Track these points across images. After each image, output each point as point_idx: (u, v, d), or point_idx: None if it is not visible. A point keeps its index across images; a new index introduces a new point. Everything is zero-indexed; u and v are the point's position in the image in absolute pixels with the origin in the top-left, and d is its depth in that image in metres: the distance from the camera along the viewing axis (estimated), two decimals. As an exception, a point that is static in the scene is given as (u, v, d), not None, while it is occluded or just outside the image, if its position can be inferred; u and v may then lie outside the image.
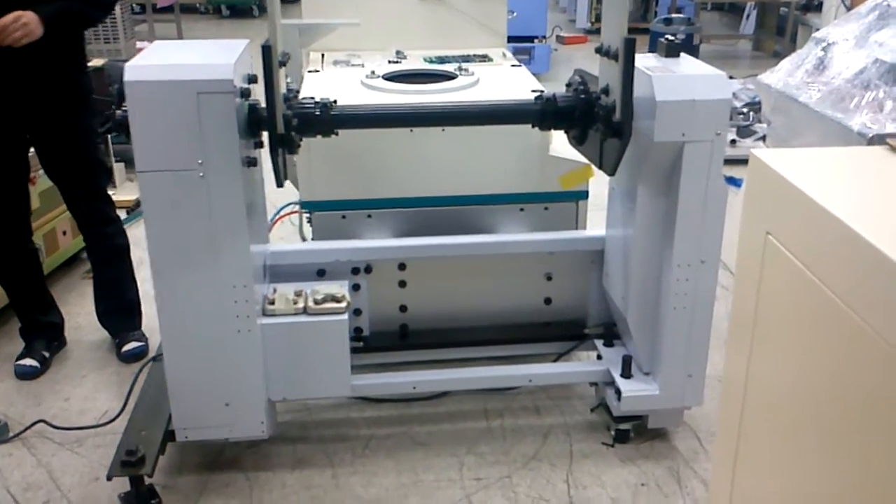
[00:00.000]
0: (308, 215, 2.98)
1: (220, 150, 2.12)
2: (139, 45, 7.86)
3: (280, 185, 2.15)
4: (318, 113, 2.28)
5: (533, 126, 2.41)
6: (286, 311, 2.45)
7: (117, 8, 7.63)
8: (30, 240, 3.12)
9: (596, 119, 2.16)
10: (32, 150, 3.00)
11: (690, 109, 2.21)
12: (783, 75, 3.64)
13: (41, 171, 3.15)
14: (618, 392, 2.58)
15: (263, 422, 2.44)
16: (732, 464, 1.72)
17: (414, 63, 3.41)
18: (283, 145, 2.05)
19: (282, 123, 2.01)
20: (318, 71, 3.29)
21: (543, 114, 2.35)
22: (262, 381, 2.41)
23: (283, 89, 2.15)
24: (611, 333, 2.77)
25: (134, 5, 9.53)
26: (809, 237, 1.34)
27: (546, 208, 2.93)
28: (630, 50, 1.98)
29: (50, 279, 3.68)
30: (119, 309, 3.25)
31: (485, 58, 3.48)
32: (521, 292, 2.85)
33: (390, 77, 3.11)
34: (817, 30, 7.26)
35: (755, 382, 1.60)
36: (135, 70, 2.08)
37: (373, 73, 3.09)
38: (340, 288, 2.52)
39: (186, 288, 2.26)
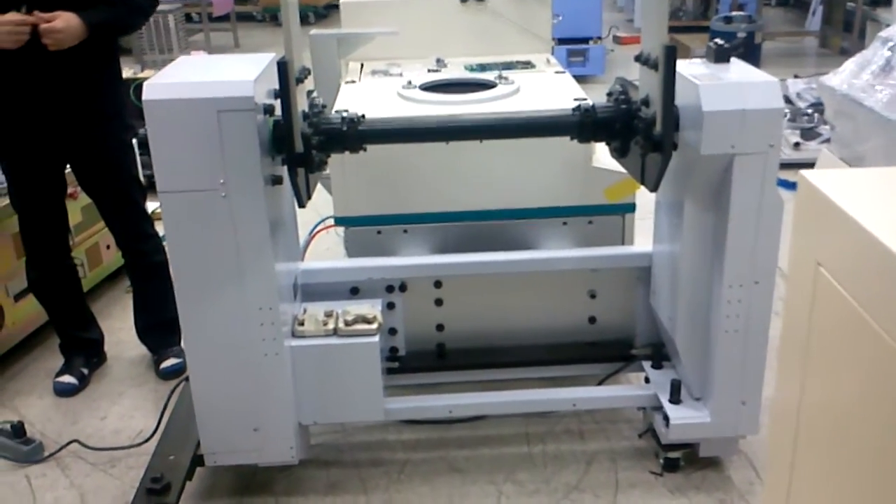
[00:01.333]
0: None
1: (242, 169, 2.05)
2: (194, 54, 7.95)
3: (302, 205, 2.07)
4: (344, 129, 2.19)
5: (571, 139, 2.28)
6: (316, 332, 2.37)
7: (171, 18, 7.72)
8: (68, 256, 3.11)
9: (636, 131, 2.02)
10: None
11: (740, 120, 2.05)
12: (847, 77, 3.44)
13: (82, 187, 3.14)
14: (666, 419, 2.43)
15: (293, 447, 2.36)
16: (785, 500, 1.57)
17: (454, 71, 3.30)
18: (303, 165, 1.96)
19: (300, 142, 1.93)
20: (355, 82, 3.21)
21: (582, 126, 2.22)
22: (291, 405, 2.33)
23: (303, 105, 2.07)
24: (659, 355, 2.62)
25: (192, 14, 9.65)
26: (863, 273, 1.19)
27: (590, 222, 2.79)
28: (671, 58, 1.84)
29: (93, 293, 3.70)
30: (158, 325, 3.21)
31: (528, 64, 3.36)
32: (564, 311, 2.72)
33: (427, 87, 3.01)
34: (887, 26, 6.94)
35: (807, 416, 1.44)
36: (153, 88, 2.02)
37: (409, 83, 2.99)
38: (372, 308, 2.43)
39: (211, 310, 2.20)
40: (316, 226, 3.59)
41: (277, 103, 2.20)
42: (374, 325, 2.38)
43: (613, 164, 2.76)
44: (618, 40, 9.24)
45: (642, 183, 2.15)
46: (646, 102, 1.97)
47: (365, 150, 2.25)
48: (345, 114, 2.23)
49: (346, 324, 2.37)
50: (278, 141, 2.14)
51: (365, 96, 2.97)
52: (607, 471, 2.54)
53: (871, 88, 3.22)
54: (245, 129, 2.02)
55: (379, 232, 2.79)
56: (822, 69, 7.20)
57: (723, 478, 2.49)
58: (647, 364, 2.64)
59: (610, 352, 2.72)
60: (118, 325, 3.53)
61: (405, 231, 2.80)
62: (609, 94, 2.28)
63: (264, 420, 2.32)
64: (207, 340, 2.24)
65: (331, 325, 2.38)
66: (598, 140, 2.27)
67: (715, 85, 2.07)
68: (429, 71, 3.30)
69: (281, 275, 2.25)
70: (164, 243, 3.30)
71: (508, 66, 3.33)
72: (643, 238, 2.85)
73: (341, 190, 2.77)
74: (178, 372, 3.14)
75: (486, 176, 2.74)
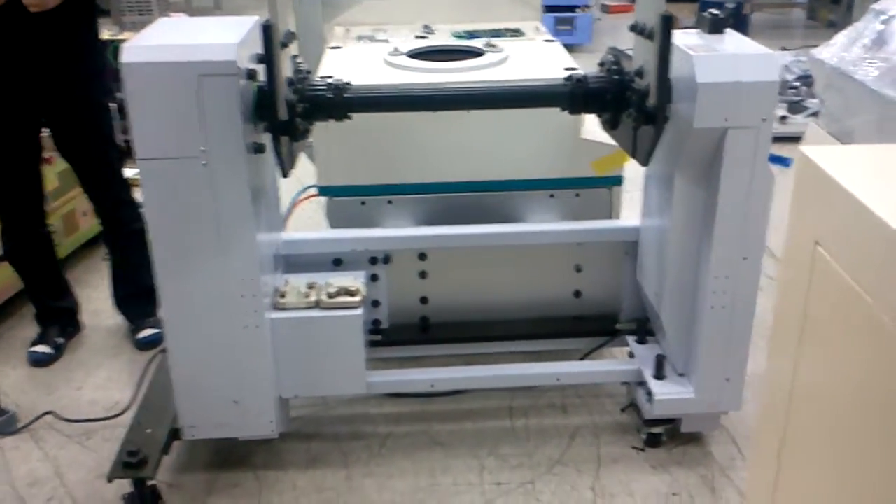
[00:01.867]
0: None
1: (223, 136, 1.99)
2: (174, 16, 7.77)
3: (286, 175, 2.01)
4: (330, 95, 2.13)
5: (562, 109, 2.23)
6: (297, 304, 2.33)
7: (150, -22, 7.54)
8: (43, 224, 3.03)
9: (629, 103, 1.98)
10: (48, 131, 2.91)
11: (735, 93, 2.01)
12: (838, 50, 3.39)
13: (58, 152, 3.06)
14: (649, 394, 2.41)
15: (273, 421, 2.32)
16: (773, 481, 1.56)
17: (442, 38, 3.23)
18: (287, 133, 1.90)
19: (284, 109, 1.86)
20: (340, 47, 3.13)
21: (573, 96, 2.17)
22: (271, 378, 2.29)
23: (288, 71, 2.00)
24: (644, 330, 2.60)
25: (170, -25, 9.42)
26: (864, 252, 1.16)
27: (577, 195, 2.75)
28: (667, 28, 1.79)
29: (70, 261, 3.63)
30: (136, 294, 3.15)
31: (517, 32, 3.29)
32: (549, 284, 2.69)
33: (414, 54, 2.94)
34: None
35: (800, 396, 1.42)
36: (132, 51, 1.95)
37: (396, 50, 2.92)
38: (355, 280, 2.39)
39: (190, 281, 2.14)
40: (298, 195, 3.53)
41: (261, 68, 2.12)
42: (358, 298, 2.33)
43: (602, 136, 2.72)
44: (605, 9, 9.14)
45: (633, 156, 2.10)
46: (639, 73, 1.92)
47: (350, 118, 2.19)
48: (330, 80, 2.17)
49: (329, 296, 2.33)
50: (261, 108, 2.07)
51: (350, 62, 2.89)
52: (590, 445, 2.53)
53: (862, 62, 3.18)
54: (227, 95, 1.95)
55: (363, 202, 2.73)
56: (809, 41, 7.17)
57: (704, 453, 2.49)
58: (631, 339, 2.62)
59: (594, 326, 2.70)
60: (95, 294, 3.47)
61: (390, 202, 2.75)
62: (601, 65, 2.23)
63: (244, 393, 2.28)
64: (186, 312, 2.18)
65: (313, 298, 2.33)
66: (589, 111, 2.22)
67: (710, 56, 2.02)
68: (416, 37, 3.23)
69: (262, 245, 2.19)
70: (143, 210, 3.28)
71: (497, 33, 3.26)
72: (629, 211, 2.82)
73: (325, 159, 2.71)
74: (155, 342, 3.09)
75: (472, 147, 2.69)
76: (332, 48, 3.11)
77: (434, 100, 2.20)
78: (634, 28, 1.94)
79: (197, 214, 2.07)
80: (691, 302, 2.32)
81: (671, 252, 2.30)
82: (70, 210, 3.61)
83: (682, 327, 2.37)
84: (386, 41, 3.18)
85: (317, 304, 2.33)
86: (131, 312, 3.19)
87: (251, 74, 2.03)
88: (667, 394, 2.37)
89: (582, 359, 2.70)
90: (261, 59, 2.11)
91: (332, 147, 2.66)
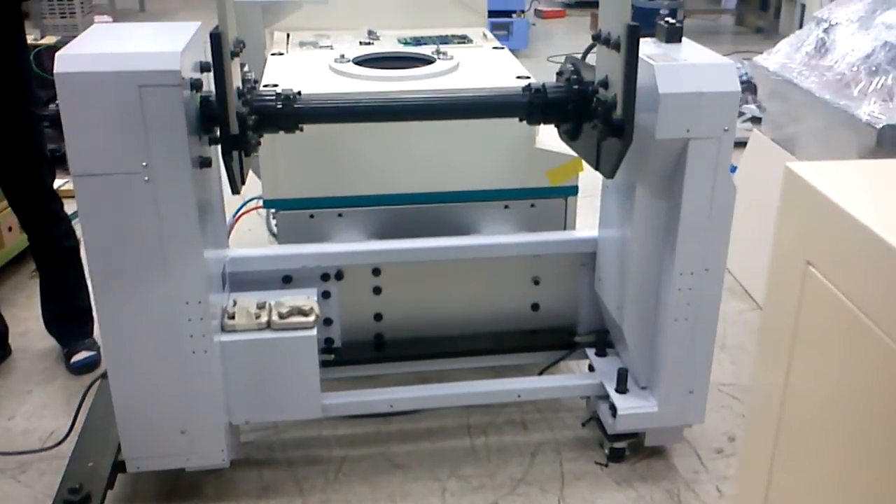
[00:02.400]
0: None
1: (167, 150, 1.87)
2: (97, 19, 7.48)
3: (236, 191, 1.90)
4: (279, 106, 2.02)
5: (520, 120, 2.17)
6: (248, 326, 2.21)
7: (73, -19, 7.26)
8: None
9: (593, 115, 1.93)
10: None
11: (697, 103, 1.98)
12: (781, 58, 3.42)
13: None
14: (612, 408, 2.37)
15: (224, 449, 2.20)
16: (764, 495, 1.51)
17: (387, 45, 3.14)
18: (239, 147, 1.79)
19: (236, 123, 1.75)
20: (282, 54, 3.02)
21: (532, 107, 2.11)
22: (221, 405, 2.17)
23: (237, 82, 1.89)
24: (604, 342, 2.55)
25: (93, -23, 9.10)
26: (859, 270, 1.12)
27: (532, 205, 2.70)
28: (634, 39, 1.74)
29: (-6, 280, 3.42)
30: (68, 315, 2.98)
31: (464, 39, 3.23)
32: (507, 298, 2.62)
33: (361, 61, 2.85)
34: (803, 5, 7.06)
35: (791, 412, 1.38)
36: (66, 60, 1.81)
37: (342, 56, 2.82)
38: (308, 299, 2.28)
39: (132, 305, 2.01)
40: (241, 207, 3.40)
41: (205, 77, 2.02)
42: (311, 318, 2.23)
43: (557, 146, 2.67)
44: (539, 14, 9.18)
45: (597, 168, 2.05)
46: (604, 84, 1.87)
47: (301, 129, 2.08)
48: (278, 90, 2.07)
49: (281, 316, 2.22)
50: (206, 119, 1.96)
51: (294, 70, 2.79)
52: (552, 462, 2.47)
53: (806, 69, 3.21)
54: (170, 107, 1.83)
55: (312, 216, 2.63)
56: (739, 47, 7.31)
57: (668, 466, 2.45)
58: (590, 352, 2.58)
59: (553, 340, 2.64)
60: (24, 314, 3.27)
61: (340, 215, 2.65)
62: (559, 74, 2.17)
63: (192, 421, 2.15)
64: (128, 337, 2.04)
65: (264, 318, 2.22)
66: (548, 122, 2.16)
67: (671, 66, 1.99)
68: (361, 44, 3.14)
69: (210, 264, 2.08)
70: (77, 228, 3.10)
71: (444, 40, 3.20)
72: (583, 220, 2.78)
73: (271, 170, 2.59)
74: (90, 366, 2.93)
75: (425, 157, 2.61)
76: (275, 55, 3.00)
77: (389, 110, 2.11)
78: (597, 38, 1.89)
79: (139, 233, 1.94)
80: (653, 314, 2.29)
81: (632, 264, 2.26)
82: (-7, 226, 3.41)
83: (644, 340, 2.33)
84: (330, 47, 3.08)
85: (268, 325, 2.22)
86: (64, 335, 3.01)
87: (195, 84, 1.92)
88: (630, 408, 2.33)
89: (541, 373, 2.64)
90: (205, 68, 2.01)
91: (278, 158, 2.55)
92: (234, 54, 1.79)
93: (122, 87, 1.80)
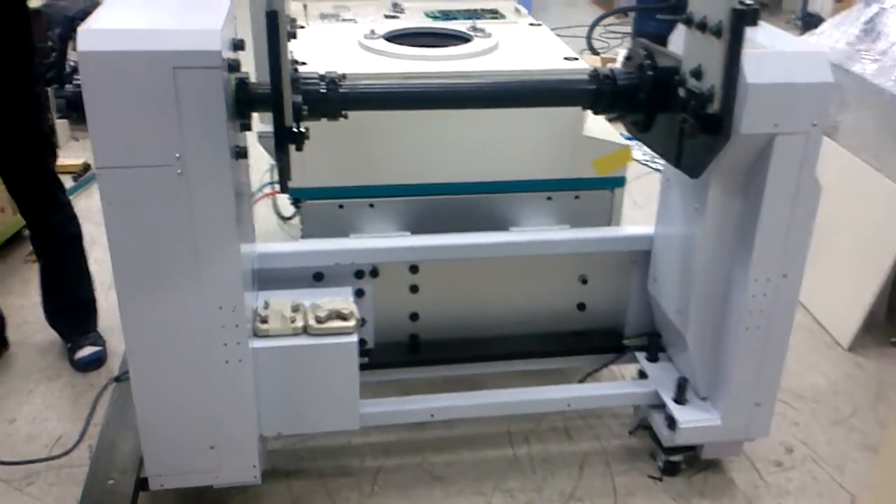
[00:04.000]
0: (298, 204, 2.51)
1: (204, 140, 1.65)
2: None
3: (286, 191, 1.69)
4: (323, 90, 1.82)
5: (584, 108, 1.98)
6: (282, 331, 2.01)
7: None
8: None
9: (678, 106, 1.73)
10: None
11: (787, 95, 1.80)
12: (826, 40, 3.24)
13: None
14: (670, 420, 2.21)
15: (256, 465, 2.01)
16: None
17: (414, 18, 2.93)
18: (294, 141, 1.58)
19: (291, 115, 1.54)
20: (302, 27, 2.79)
21: (599, 94, 1.92)
22: (254, 418, 1.98)
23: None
24: (656, 346, 2.39)
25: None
26: None
27: (577, 197, 2.52)
28: (741, 24, 1.55)
29: (-14, 266, 3.20)
30: (71, 308, 2.76)
31: (495, 14, 3.02)
32: (552, 297, 2.44)
33: (392, 37, 2.63)
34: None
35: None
36: (91, 36, 1.59)
37: (372, 32, 2.60)
38: (347, 301, 2.09)
39: (160, 310, 1.81)
40: (256, 192, 3.19)
41: (240, 56, 1.81)
42: (351, 323, 2.04)
43: (605, 133, 2.50)
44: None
45: (677, 165, 1.87)
46: (697, 74, 1.67)
47: (345, 117, 1.88)
48: (320, 72, 1.85)
49: (318, 320, 2.02)
50: (243, 104, 1.76)
51: (320, 46, 2.57)
52: (602, 475, 2.31)
53: (856, 54, 3.03)
54: (210, 92, 1.61)
55: (341, 206, 2.43)
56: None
57: (726, 481, 2.30)
58: (641, 356, 2.41)
59: (599, 342, 2.47)
60: (20, 302, 3.06)
61: (371, 205, 2.45)
62: (628, 58, 1.98)
63: (223, 435, 1.96)
64: (155, 345, 1.84)
65: (299, 323, 2.02)
66: (615, 111, 1.97)
67: (760, 54, 1.80)
68: (385, 17, 2.92)
69: (244, 264, 1.87)
70: (72, 197, 2.86)
71: (474, 14, 2.98)
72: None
73: (297, 157, 2.37)
74: (96, 362, 2.72)
75: (463, 144, 2.42)
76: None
77: (446, 96, 1.91)
78: (689, 21, 1.69)
79: (170, 232, 1.73)
80: (720, 320, 2.12)
81: (699, 266, 2.08)
82: (-15, 207, 3.17)
83: (709, 347, 2.16)
84: (354, 21, 2.86)
85: (304, 330, 2.03)
86: (66, 328, 2.79)
87: (233, 66, 1.71)
88: (692, 421, 2.17)
89: (585, 378, 2.47)
90: (237, 46, 1.80)
91: (306, 144, 2.33)
92: (291, 35, 1.58)
93: (155, 69, 1.59)
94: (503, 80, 1.99)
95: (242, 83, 1.76)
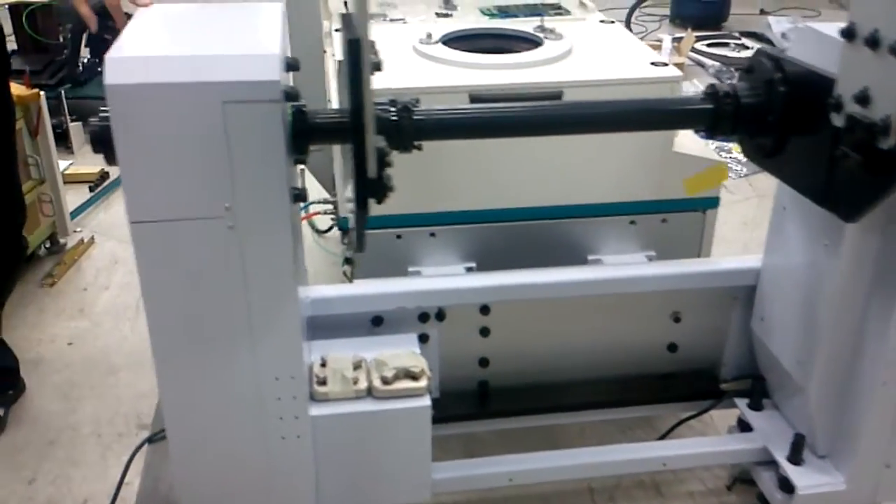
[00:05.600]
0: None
1: (260, 187, 1.37)
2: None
3: (363, 250, 1.40)
4: (394, 118, 1.52)
5: (697, 132, 1.68)
6: (344, 394, 1.73)
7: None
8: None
9: (838, 137, 1.42)
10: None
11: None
12: None
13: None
14: (784, 482, 1.92)
15: (314, 550, 1.75)
16: None
17: (468, 16, 2.62)
18: (377, 194, 1.29)
19: (375, 164, 1.25)
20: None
21: (719, 116, 1.61)
22: (311, 497, 1.70)
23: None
24: (760, 391, 2.09)
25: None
26: None
27: (664, 220, 2.22)
28: (932, 42, 1.24)
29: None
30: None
31: (559, 9, 2.70)
32: (639, 337, 2.15)
33: (451, 40, 2.33)
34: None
35: None
36: (120, 66, 1.29)
37: (428, 36, 2.30)
38: (415, 356, 1.80)
39: (206, 383, 1.53)
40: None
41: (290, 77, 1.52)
42: (423, 383, 1.75)
43: (697, 150, 2.20)
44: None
45: (822, 203, 1.57)
46: (862, 99, 1.37)
47: (420, 148, 1.58)
48: (390, 97, 1.56)
49: (385, 381, 1.74)
50: (302, 136, 1.46)
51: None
52: (702, 541, 2.03)
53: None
54: (267, 129, 1.33)
55: (399, 236, 2.14)
56: (782, 3, 6.74)
57: (843, 547, 2.02)
58: (741, 403, 2.12)
59: (692, 387, 2.18)
60: (36, 336, 2.80)
61: (432, 234, 2.16)
62: (748, 71, 1.67)
63: (276, 519, 1.69)
64: (199, 422, 1.57)
65: (363, 384, 1.74)
66: (736, 134, 1.67)
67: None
68: (437, 15, 2.61)
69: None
70: (86, 213, 2.56)
71: (534, 10, 2.67)
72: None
73: (348, 182, 2.09)
74: None
75: (537, 165, 2.13)
76: (338, 31, 2.46)
77: (538, 122, 1.60)
78: (851, 34, 1.38)
79: (218, 294, 1.45)
80: (849, 372, 1.83)
81: (828, 312, 1.78)
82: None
83: (834, 402, 1.87)
84: (403, 20, 2.55)
85: (369, 392, 1.75)
86: None
87: (291, 95, 1.41)
88: (814, 486, 1.88)
89: (676, 426, 2.19)
90: (292, 66, 1.50)
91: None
92: (375, 67, 1.27)
93: (201, 104, 1.30)
94: (606, 104, 1.68)
95: (300, 113, 1.46)
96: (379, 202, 1.30)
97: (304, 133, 1.47)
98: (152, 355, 1.49)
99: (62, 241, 3.27)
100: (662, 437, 2.19)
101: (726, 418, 2.28)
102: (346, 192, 2.00)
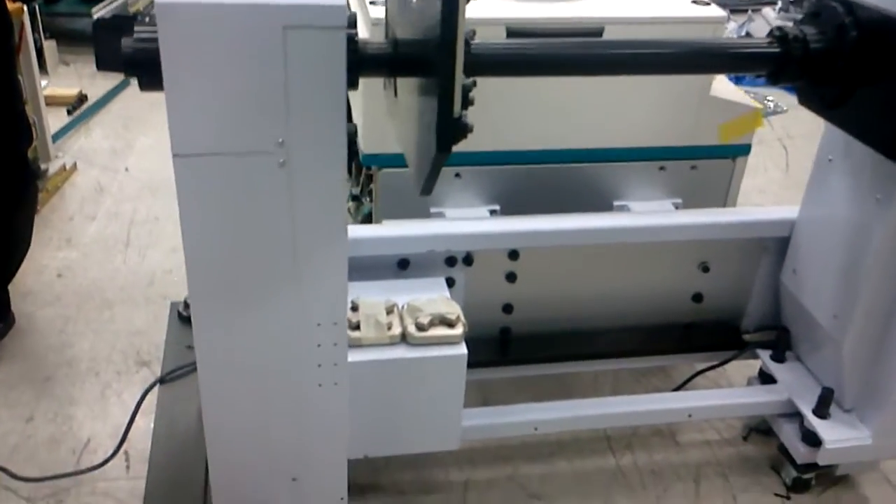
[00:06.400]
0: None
1: (317, 123, 1.26)
2: None
3: (429, 192, 1.31)
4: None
5: (758, 76, 1.61)
6: (378, 340, 1.67)
7: None
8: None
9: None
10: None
11: None
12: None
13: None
14: (809, 435, 1.92)
15: (344, 497, 1.69)
16: None
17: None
18: (458, 138, 1.19)
19: (461, 102, 1.15)
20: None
21: (786, 60, 1.54)
22: (345, 444, 1.64)
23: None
24: (784, 343, 2.08)
25: None
26: None
27: (693, 167, 2.17)
28: None
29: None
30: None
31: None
32: (665, 286, 2.11)
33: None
34: None
35: None
36: (172, -18, 1.17)
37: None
38: (449, 303, 1.74)
39: (244, 327, 1.44)
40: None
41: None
42: (459, 331, 1.70)
43: (734, 95, 2.14)
44: None
45: (889, 153, 1.51)
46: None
47: (474, 84, 1.48)
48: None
49: (420, 328, 1.68)
50: (354, 67, 1.35)
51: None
52: (722, 491, 2.03)
53: None
54: (330, 60, 1.22)
55: (423, 175, 2.05)
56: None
57: (859, 498, 2.04)
58: (764, 354, 2.10)
59: (715, 337, 2.16)
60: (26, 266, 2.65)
61: (457, 175, 2.09)
62: (814, 14, 1.60)
63: (307, 466, 1.63)
64: (234, 367, 1.48)
65: (397, 329, 1.67)
66: (801, 81, 1.60)
67: None
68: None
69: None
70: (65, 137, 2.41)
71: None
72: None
73: (371, 118, 1.99)
74: None
75: (567, 107, 2.06)
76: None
77: (602, 62, 1.50)
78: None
79: (264, 235, 1.35)
80: (885, 329, 1.81)
81: (873, 268, 1.75)
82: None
83: (867, 357, 1.85)
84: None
85: (403, 338, 1.68)
86: None
87: (352, 23, 1.30)
88: (840, 440, 1.88)
89: (695, 376, 2.17)
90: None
91: (380, 105, 1.93)
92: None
93: (260, 29, 1.18)
94: (669, 44, 1.58)
95: (352, 42, 1.35)
96: (455, 141, 1.20)
97: (356, 64, 1.35)
98: (189, 294, 1.40)
99: (44, 166, 3.09)
100: (681, 387, 2.17)
101: (740, 369, 2.28)
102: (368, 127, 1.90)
